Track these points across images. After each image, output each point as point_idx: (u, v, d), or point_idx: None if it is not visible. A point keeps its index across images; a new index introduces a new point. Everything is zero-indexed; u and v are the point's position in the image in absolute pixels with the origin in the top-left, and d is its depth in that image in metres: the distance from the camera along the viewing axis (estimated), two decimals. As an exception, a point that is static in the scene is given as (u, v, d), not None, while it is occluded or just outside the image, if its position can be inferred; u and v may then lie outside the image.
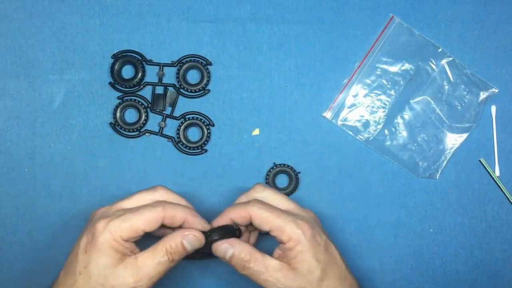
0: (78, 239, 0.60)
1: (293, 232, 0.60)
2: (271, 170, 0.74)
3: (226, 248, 0.61)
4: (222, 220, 0.63)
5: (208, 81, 0.74)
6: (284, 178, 0.75)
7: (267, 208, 0.61)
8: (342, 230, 0.74)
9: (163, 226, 0.61)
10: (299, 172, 0.74)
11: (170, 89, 0.75)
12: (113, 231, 0.58)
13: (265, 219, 0.61)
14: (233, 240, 0.61)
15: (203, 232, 0.62)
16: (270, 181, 0.74)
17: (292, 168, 0.74)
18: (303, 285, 0.60)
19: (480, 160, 0.76)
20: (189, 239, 0.60)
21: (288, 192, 0.74)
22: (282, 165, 0.74)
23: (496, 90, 0.76)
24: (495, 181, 0.75)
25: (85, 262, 0.58)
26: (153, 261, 0.58)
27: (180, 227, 0.62)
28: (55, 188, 0.73)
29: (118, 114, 0.74)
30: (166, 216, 0.60)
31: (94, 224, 0.59)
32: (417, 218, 0.75)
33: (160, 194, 0.63)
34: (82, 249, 0.59)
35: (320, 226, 0.64)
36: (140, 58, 0.74)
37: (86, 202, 0.74)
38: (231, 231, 0.63)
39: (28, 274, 0.73)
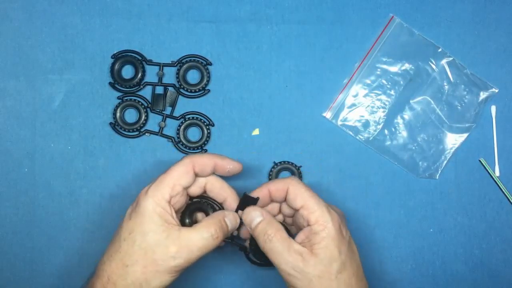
0: (126, 212, 0.62)
1: (322, 215, 0.60)
2: (273, 168, 0.74)
3: (255, 216, 0.62)
4: (260, 192, 0.64)
5: (208, 81, 0.74)
6: (287, 175, 0.74)
7: (304, 186, 0.62)
8: (342, 230, 0.74)
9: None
10: (301, 166, 0.74)
11: (170, 89, 0.75)
12: (153, 194, 0.60)
13: (300, 194, 0.61)
14: (264, 211, 0.62)
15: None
16: (273, 179, 0.74)
17: (293, 164, 0.74)
18: (321, 274, 0.59)
19: (480, 160, 0.76)
20: (230, 217, 0.62)
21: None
22: (282, 162, 0.74)
23: (496, 90, 0.76)
24: (495, 181, 0.75)
25: (130, 229, 0.60)
26: (196, 235, 0.59)
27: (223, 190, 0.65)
28: (55, 188, 0.74)
29: (118, 114, 0.74)
30: (195, 164, 0.62)
31: (138, 195, 0.61)
32: (417, 218, 0.75)
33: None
34: (127, 217, 0.61)
35: (346, 223, 0.64)
36: (140, 58, 0.74)
37: (86, 202, 0.74)
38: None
39: (28, 274, 0.73)
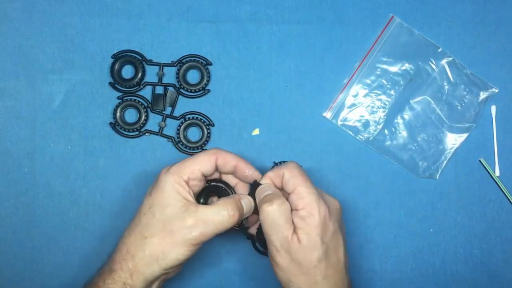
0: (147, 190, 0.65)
1: (310, 203, 0.62)
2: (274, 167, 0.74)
3: (267, 189, 0.64)
4: (264, 181, 0.65)
5: (208, 81, 0.74)
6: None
7: (299, 171, 0.64)
8: (342, 230, 0.74)
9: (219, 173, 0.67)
10: (301, 166, 0.74)
11: (170, 89, 0.75)
12: (173, 173, 0.62)
13: (293, 178, 0.63)
14: (277, 189, 0.64)
15: None
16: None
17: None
18: (301, 260, 0.61)
19: (480, 160, 0.76)
20: (245, 200, 0.64)
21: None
22: (282, 162, 0.74)
23: (496, 90, 0.76)
24: (495, 181, 0.75)
25: (150, 203, 0.62)
26: (213, 211, 0.62)
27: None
28: (55, 188, 0.74)
29: (118, 114, 0.74)
30: (219, 157, 0.64)
31: (158, 174, 0.64)
32: (417, 218, 0.75)
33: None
34: (147, 194, 0.63)
35: (340, 217, 0.65)
36: (140, 58, 0.74)
37: (86, 202, 0.74)
38: None
39: (28, 274, 0.73)
